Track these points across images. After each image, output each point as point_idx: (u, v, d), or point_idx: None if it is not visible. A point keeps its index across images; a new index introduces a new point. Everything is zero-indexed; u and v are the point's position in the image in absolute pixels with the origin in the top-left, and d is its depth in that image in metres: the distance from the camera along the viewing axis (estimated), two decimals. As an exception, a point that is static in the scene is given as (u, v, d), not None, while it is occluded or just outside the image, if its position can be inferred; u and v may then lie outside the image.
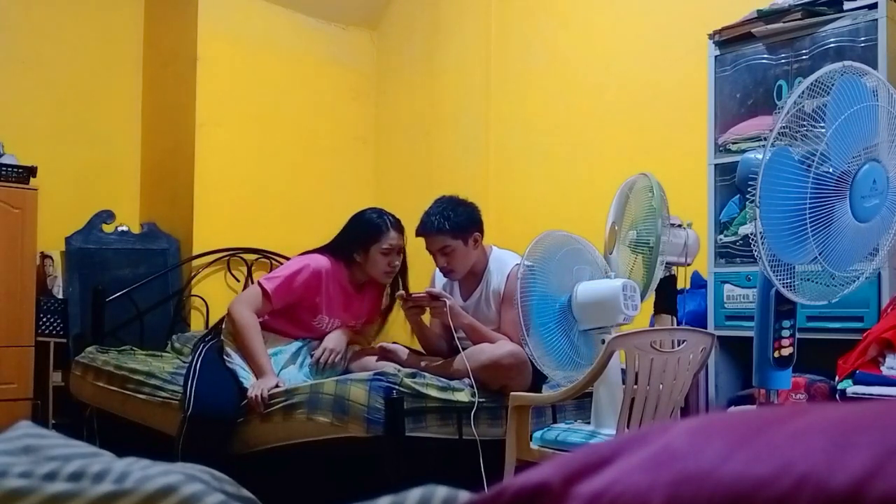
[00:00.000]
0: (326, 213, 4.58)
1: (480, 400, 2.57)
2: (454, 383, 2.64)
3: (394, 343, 3.01)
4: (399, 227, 3.06)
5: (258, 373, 2.79)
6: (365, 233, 3.02)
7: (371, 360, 2.90)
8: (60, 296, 3.92)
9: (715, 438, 0.43)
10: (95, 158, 4.35)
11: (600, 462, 0.45)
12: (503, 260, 2.93)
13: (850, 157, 1.85)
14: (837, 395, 2.29)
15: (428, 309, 2.82)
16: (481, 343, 2.72)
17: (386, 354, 2.87)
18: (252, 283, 3.67)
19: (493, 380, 2.62)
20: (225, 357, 2.86)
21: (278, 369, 2.86)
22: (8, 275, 3.70)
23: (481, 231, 2.94)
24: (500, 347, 2.65)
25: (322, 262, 3.02)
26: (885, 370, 2.24)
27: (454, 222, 2.85)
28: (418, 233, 2.92)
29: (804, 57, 2.68)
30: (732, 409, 2.68)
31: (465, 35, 4.36)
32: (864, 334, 2.33)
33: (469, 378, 2.63)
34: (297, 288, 2.96)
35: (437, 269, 2.99)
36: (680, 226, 2.51)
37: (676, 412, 2.23)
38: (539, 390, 2.64)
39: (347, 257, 3.05)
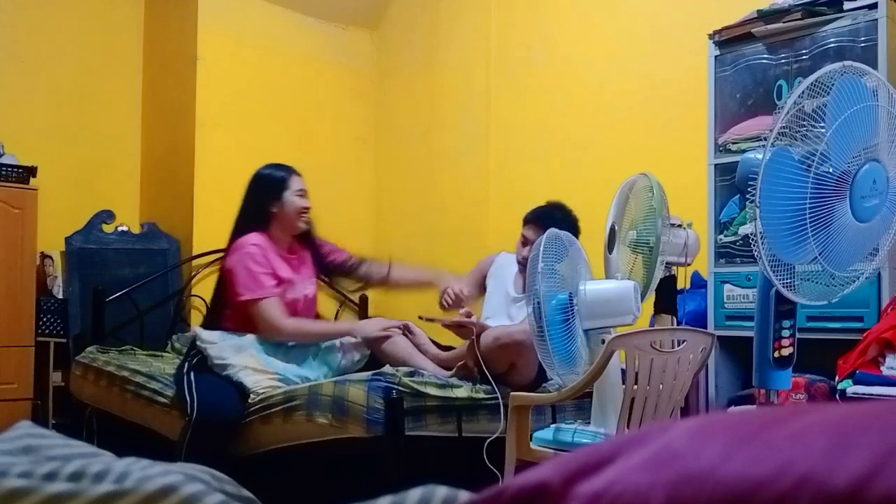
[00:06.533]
0: (326, 213, 4.58)
1: (482, 397, 2.57)
2: (453, 381, 2.64)
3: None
4: (298, 172, 3.17)
5: (353, 332, 2.93)
6: (272, 183, 3.10)
7: (400, 339, 2.92)
8: (60, 296, 3.92)
9: (715, 438, 0.43)
10: (95, 158, 4.35)
11: (600, 462, 0.45)
12: None
13: (850, 157, 1.85)
14: (837, 395, 2.29)
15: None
16: None
17: (408, 335, 2.92)
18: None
19: (503, 356, 2.62)
20: (219, 371, 2.81)
21: (296, 363, 2.87)
22: (8, 275, 3.70)
23: None
24: (511, 326, 2.70)
25: (247, 238, 3.03)
26: (885, 370, 2.24)
27: (564, 230, 2.92)
28: (531, 218, 3.01)
29: (804, 57, 2.68)
30: (732, 409, 2.68)
31: (465, 35, 4.36)
32: (864, 334, 2.33)
33: (474, 370, 2.64)
34: (264, 269, 2.97)
35: (498, 256, 3.18)
36: (680, 226, 2.51)
37: (676, 412, 2.23)
38: (545, 380, 2.66)
39: (262, 220, 3.07)
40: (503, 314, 3.04)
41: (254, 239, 3.02)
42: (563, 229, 2.88)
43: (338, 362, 2.96)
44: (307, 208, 3.12)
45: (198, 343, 2.89)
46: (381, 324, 2.98)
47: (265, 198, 3.08)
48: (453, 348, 3.00)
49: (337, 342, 3.00)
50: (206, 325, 3.08)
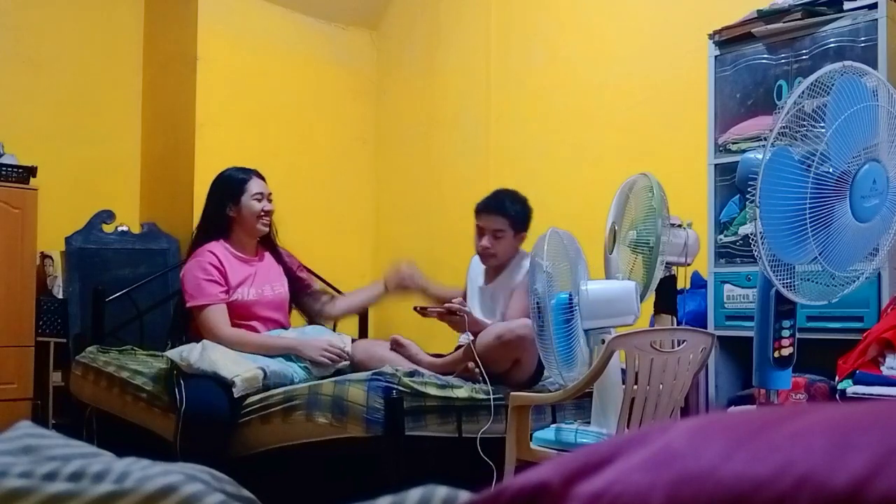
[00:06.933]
0: (326, 214, 4.59)
1: (483, 397, 2.57)
2: (453, 381, 2.64)
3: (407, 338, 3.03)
4: (261, 176, 3.18)
5: (294, 349, 2.89)
6: (230, 186, 3.13)
7: (380, 348, 2.91)
8: (60, 296, 3.92)
9: (715, 438, 0.43)
10: (95, 158, 4.35)
11: (600, 462, 0.45)
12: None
13: (850, 157, 1.85)
14: (837, 395, 2.29)
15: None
16: None
17: (398, 347, 2.89)
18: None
19: (506, 353, 2.63)
20: (195, 371, 2.78)
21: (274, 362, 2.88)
22: (8, 275, 3.69)
23: (527, 233, 3.07)
24: (512, 322, 2.71)
25: (205, 247, 3.07)
26: (885, 370, 2.24)
27: (520, 213, 3.01)
28: (482, 207, 3.04)
29: (804, 57, 2.68)
30: (732, 409, 2.68)
31: (465, 35, 4.36)
32: (864, 334, 2.33)
33: (479, 367, 2.65)
34: (210, 276, 2.99)
35: (472, 260, 3.18)
36: (680, 226, 2.51)
37: (676, 412, 2.23)
38: (541, 376, 2.67)
39: (222, 225, 3.10)
40: (476, 305, 3.08)
41: (210, 247, 3.06)
42: (520, 216, 2.99)
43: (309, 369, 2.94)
44: (267, 212, 3.14)
45: (171, 359, 2.89)
46: (325, 344, 2.94)
47: (223, 201, 3.12)
48: (443, 356, 2.99)
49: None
50: (175, 334, 3.14)
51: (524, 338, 2.57)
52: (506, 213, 2.99)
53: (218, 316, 2.95)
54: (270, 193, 3.18)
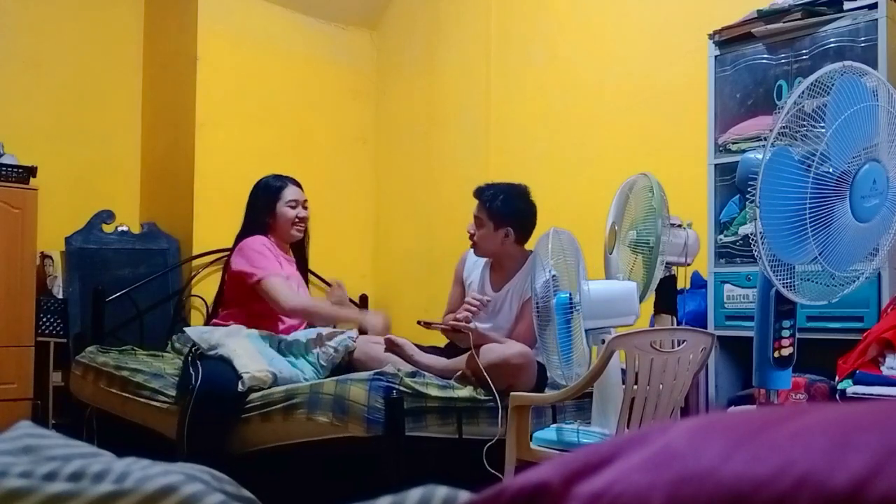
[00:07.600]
0: (326, 213, 4.59)
1: (484, 398, 2.57)
2: (454, 382, 2.64)
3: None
4: (297, 183, 3.27)
5: (359, 322, 3.08)
6: (267, 194, 3.22)
7: (378, 348, 2.91)
8: (60, 296, 3.92)
9: (715, 438, 0.43)
10: (95, 158, 4.35)
11: (600, 462, 0.45)
12: None
13: (850, 157, 1.85)
14: (837, 395, 2.29)
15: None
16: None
17: (393, 347, 2.88)
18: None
19: (500, 378, 2.62)
20: (213, 353, 2.83)
21: (286, 357, 2.90)
22: (8, 275, 3.70)
23: (518, 232, 3.01)
24: (510, 347, 2.67)
25: (254, 238, 3.15)
26: (885, 370, 2.24)
27: (496, 206, 2.96)
28: (475, 192, 3.05)
29: (804, 57, 2.68)
30: (732, 409, 2.68)
31: (465, 35, 4.36)
32: (864, 334, 2.33)
33: (472, 378, 2.64)
34: (270, 256, 3.08)
35: (466, 253, 3.17)
36: (680, 226, 2.51)
37: (676, 412, 2.23)
38: (542, 392, 2.65)
39: (262, 230, 3.20)
40: (482, 314, 3.03)
41: (260, 239, 3.16)
42: (495, 207, 2.94)
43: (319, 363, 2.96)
44: (301, 219, 3.22)
45: (190, 337, 2.94)
46: (385, 323, 3.06)
47: (262, 210, 3.21)
48: (438, 348, 2.99)
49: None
50: (206, 323, 3.15)
51: (519, 367, 2.59)
52: (482, 200, 2.98)
53: (285, 283, 3.01)
54: (306, 200, 3.27)
